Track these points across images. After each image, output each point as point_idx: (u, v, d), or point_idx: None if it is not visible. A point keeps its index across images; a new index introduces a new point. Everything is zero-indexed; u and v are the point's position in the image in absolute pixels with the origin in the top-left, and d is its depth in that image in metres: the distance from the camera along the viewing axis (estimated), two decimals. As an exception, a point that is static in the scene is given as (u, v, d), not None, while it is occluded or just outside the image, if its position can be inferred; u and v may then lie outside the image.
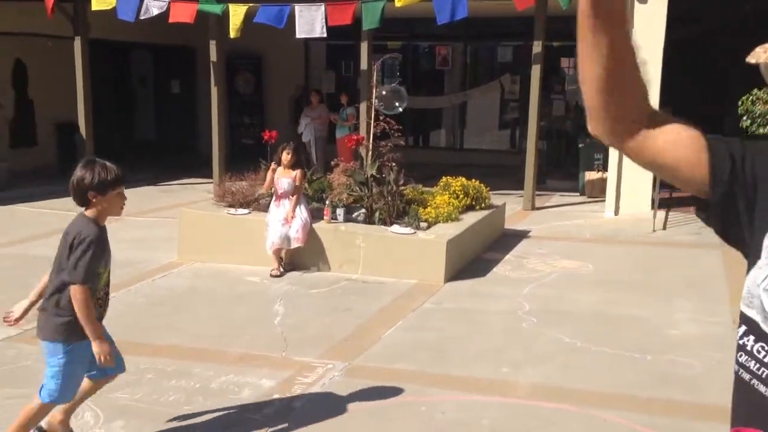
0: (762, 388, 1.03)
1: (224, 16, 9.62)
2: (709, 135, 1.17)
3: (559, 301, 5.70)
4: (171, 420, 3.68)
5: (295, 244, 6.42)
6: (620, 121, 1.14)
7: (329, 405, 3.90)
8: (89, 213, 3.10)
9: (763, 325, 1.03)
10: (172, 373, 4.27)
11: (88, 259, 2.98)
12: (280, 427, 3.65)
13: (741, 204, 1.12)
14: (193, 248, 6.88)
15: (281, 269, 6.40)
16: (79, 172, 3.05)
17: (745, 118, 7.77)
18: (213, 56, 10.44)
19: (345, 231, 6.54)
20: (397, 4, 8.87)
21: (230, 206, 7.05)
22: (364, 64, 9.77)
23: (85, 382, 3.28)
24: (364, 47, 9.77)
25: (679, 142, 1.14)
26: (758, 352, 1.04)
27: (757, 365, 1.04)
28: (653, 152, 1.15)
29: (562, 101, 13.51)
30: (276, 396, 3.99)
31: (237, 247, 6.71)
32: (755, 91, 7.75)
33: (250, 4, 9.44)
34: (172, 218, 7.97)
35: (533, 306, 5.56)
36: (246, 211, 6.92)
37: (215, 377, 4.21)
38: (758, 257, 1.09)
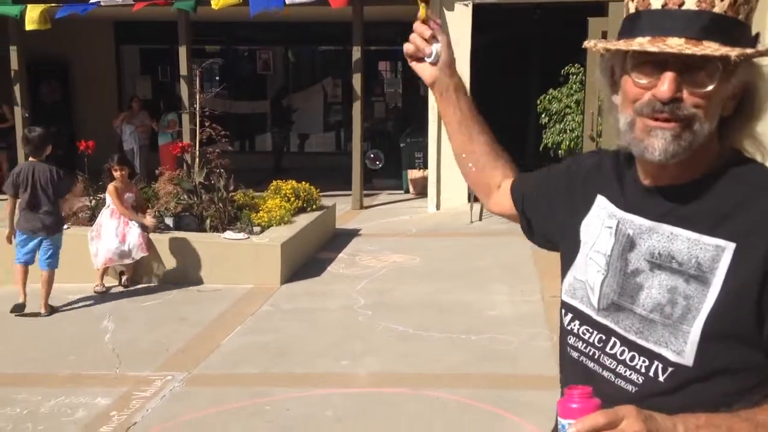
0: (590, 363, 1.19)
1: (23, 19, 8.91)
2: (520, 173, 1.51)
3: (391, 294, 5.99)
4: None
5: (139, 254, 6.17)
6: (488, 191, 1.53)
7: (171, 416, 3.85)
8: None
9: (588, 313, 1.20)
10: (-7, 402, 3.97)
11: None
12: (120, 444, 3.55)
13: (539, 219, 1.42)
14: (-1, 268, 6.35)
15: (105, 285, 6.13)
16: None
17: (543, 115, 8.62)
18: (14, 64, 9.66)
19: (176, 240, 6.39)
20: (214, 6, 8.68)
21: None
22: (183, 70, 9.53)
23: None
24: (183, 51, 9.54)
25: (506, 193, 1.49)
26: (584, 333, 1.21)
27: (585, 345, 1.20)
28: (506, 208, 1.50)
29: (383, 103, 14.07)
30: (113, 413, 3.86)
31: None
32: (551, 91, 8.63)
33: (52, 5, 8.82)
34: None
35: (367, 300, 5.80)
36: (65, 226, 6.51)
37: (44, 401, 3.98)
38: (576, 252, 1.25)
